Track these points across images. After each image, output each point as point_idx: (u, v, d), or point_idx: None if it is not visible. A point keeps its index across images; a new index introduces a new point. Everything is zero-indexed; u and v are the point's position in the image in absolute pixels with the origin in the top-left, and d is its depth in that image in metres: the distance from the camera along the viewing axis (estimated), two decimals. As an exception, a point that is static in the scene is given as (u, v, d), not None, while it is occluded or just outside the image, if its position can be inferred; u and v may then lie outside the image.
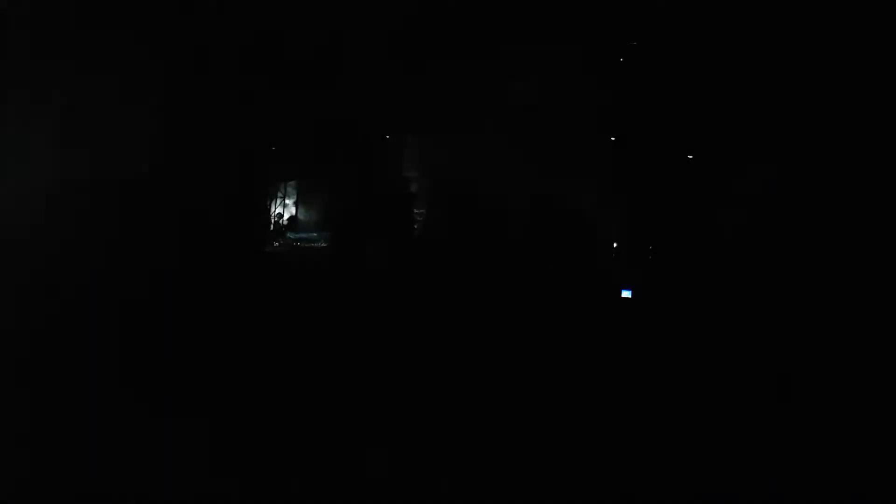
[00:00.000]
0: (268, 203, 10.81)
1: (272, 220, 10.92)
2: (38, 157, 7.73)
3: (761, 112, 8.75)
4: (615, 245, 9.26)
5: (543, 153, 9.57)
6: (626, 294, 8.09)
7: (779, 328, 7.34)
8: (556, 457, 5.07)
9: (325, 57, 9.66)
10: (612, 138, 9.77)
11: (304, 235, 11.04)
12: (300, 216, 11.31)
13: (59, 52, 7.99)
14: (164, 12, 8.41)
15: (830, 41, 8.24)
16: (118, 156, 8.15)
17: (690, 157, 9.34)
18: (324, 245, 10.68)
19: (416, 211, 10.50)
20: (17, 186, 7.60)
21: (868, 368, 6.57)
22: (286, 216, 11.20)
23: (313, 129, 10.39)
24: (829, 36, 8.24)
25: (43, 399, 5.50)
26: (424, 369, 6.68)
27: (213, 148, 8.86)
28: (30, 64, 7.88)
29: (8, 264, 7.23)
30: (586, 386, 6.36)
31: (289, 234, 11.05)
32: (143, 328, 6.98)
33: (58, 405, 5.42)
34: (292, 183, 11.24)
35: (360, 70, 9.80)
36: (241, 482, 4.56)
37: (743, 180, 8.87)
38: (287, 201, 11.22)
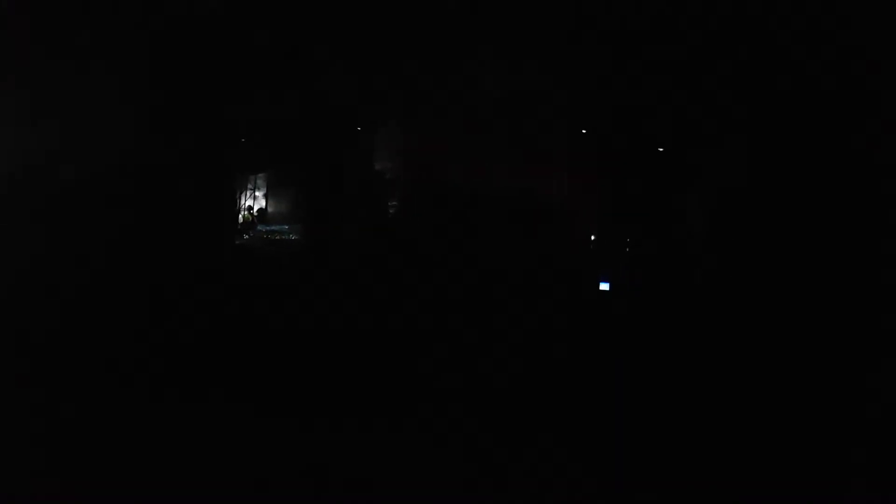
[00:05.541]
0: (237, 196, 10.64)
1: (242, 213, 10.75)
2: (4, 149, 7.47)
3: (732, 103, 8.87)
4: (592, 238, 9.34)
5: (518, 146, 9.58)
6: (603, 286, 8.14)
7: (756, 319, 7.44)
8: (540, 454, 5.07)
9: (297, 48, 9.50)
10: (584, 131, 9.84)
11: (274, 228, 10.90)
12: (270, 209, 11.16)
13: (50, 52, 7.75)
14: (146, 9, 8.18)
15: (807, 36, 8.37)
16: (87, 150, 7.91)
17: (661, 149, 9.46)
18: (294, 237, 10.55)
19: (388, 203, 10.44)
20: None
21: (855, 360, 6.68)
22: (256, 209, 11.03)
23: (283, 121, 10.24)
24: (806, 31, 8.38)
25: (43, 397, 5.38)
26: (403, 366, 6.64)
27: (182, 141, 8.65)
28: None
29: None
30: (566, 379, 6.39)
31: (259, 227, 10.90)
32: (118, 324, 6.85)
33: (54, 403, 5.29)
34: (262, 175, 11.07)
35: (333, 61, 9.66)
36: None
37: (713, 172, 9.01)
38: (257, 193, 11.06)
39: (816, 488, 4.65)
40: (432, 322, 7.52)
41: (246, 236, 10.67)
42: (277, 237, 10.71)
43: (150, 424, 5.16)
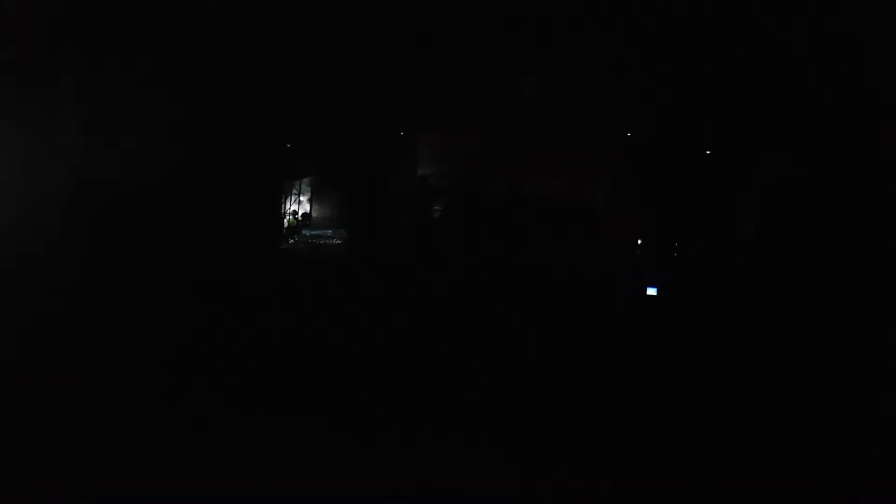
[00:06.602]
0: (283, 200, 10.82)
1: (287, 218, 10.94)
2: (60, 157, 7.68)
3: (778, 105, 8.70)
4: (639, 242, 9.22)
5: (562, 150, 9.53)
6: (651, 291, 8.03)
7: (802, 322, 7.31)
8: (578, 453, 5.05)
9: (339, 54, 9.60)
10: (629, 134, 9.74)
11: (318, 232, 11.07)
12: (314, 213, 11.33)
13: (74, 53, 7.93)
14: (178, 12, 8.34)
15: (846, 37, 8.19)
16: (136, 156, 8.10)
17: (708, 152, 9.32)
18: (338, 241, 10.68)
19: (432, 208, 10.48)
20: (39, 187, 7.56)
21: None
22: (301, 213, 11.21)
23: (328, 127, 10.35)
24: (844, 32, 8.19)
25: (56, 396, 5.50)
26: (447, 365, 6.66)
27: (229, 147, 8.81)
28: (42, 64, 7.82)
29: (28, 264, 7.22)
30: (612, 383, 6.34)
31: (304, 231, 11.07)
32: (163, 324, 6.98)
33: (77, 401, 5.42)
34: (307, 180, 11.24)
35: (374, 67, 9.73)
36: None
37: (762, 174, 8.84)
38: (302, 198, 11.23)
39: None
40: (474, 325, 7.51)
41: (291, 240, 10.84)
42: (322, 241, 10.85)
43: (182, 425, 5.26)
